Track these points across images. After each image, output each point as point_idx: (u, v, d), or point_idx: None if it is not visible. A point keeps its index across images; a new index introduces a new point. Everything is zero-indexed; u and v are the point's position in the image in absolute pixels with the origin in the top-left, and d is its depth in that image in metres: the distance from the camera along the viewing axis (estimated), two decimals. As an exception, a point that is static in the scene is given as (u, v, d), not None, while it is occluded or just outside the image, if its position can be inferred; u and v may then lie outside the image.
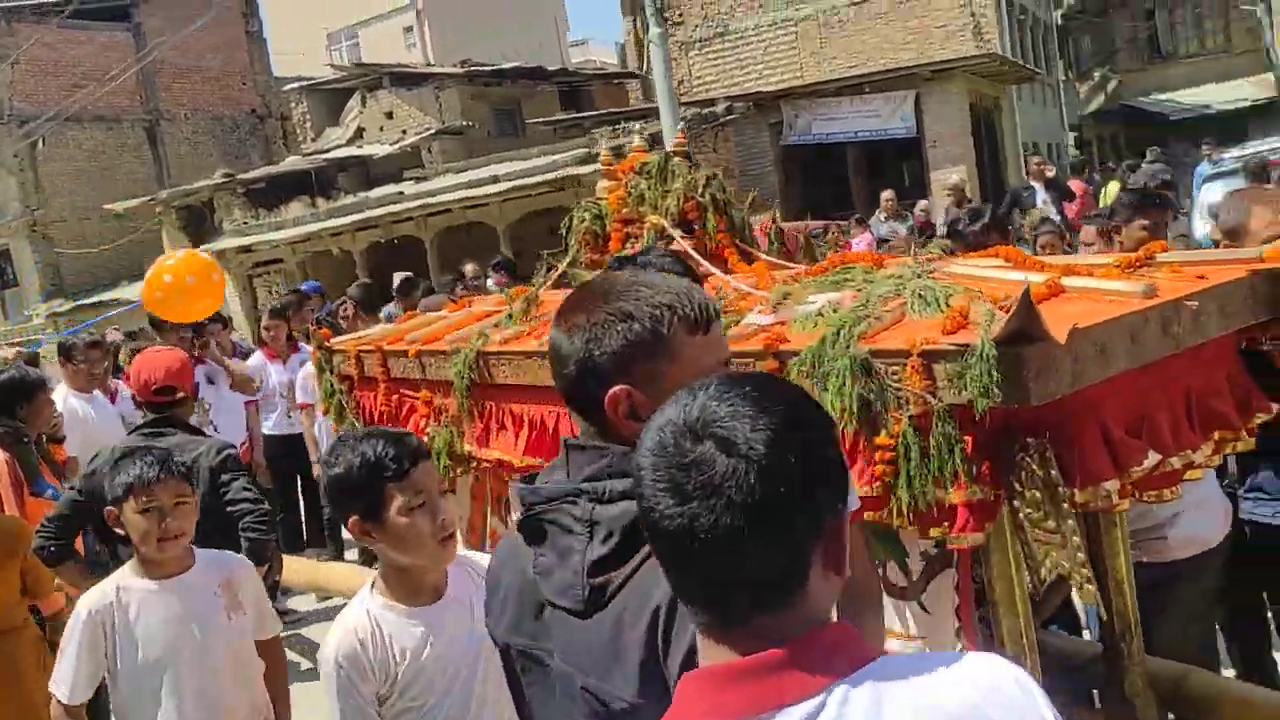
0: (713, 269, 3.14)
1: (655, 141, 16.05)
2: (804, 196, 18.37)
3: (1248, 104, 27.97)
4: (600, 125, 19.18)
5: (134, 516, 2.91)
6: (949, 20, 20.90)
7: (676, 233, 3.25)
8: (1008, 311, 1.96)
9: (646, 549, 1.33)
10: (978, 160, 17.95)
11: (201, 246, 21.67)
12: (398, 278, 8.89)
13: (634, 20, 26.81)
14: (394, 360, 4.13)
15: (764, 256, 3.33)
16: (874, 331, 2.28)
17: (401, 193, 18.21)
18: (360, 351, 4.35)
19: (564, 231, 4.03)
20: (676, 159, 3.38)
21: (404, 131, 22.86)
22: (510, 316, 3.64)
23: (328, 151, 23.08)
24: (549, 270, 3.98)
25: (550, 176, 15.34)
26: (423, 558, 2.30)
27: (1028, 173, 14.04)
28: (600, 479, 1.42)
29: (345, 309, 7.60)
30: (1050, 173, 12.02)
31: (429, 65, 25.91)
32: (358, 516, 2.24)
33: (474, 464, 3.83)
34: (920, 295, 2.34)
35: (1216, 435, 2.28)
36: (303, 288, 12.43)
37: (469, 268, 10.26)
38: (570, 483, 1.45)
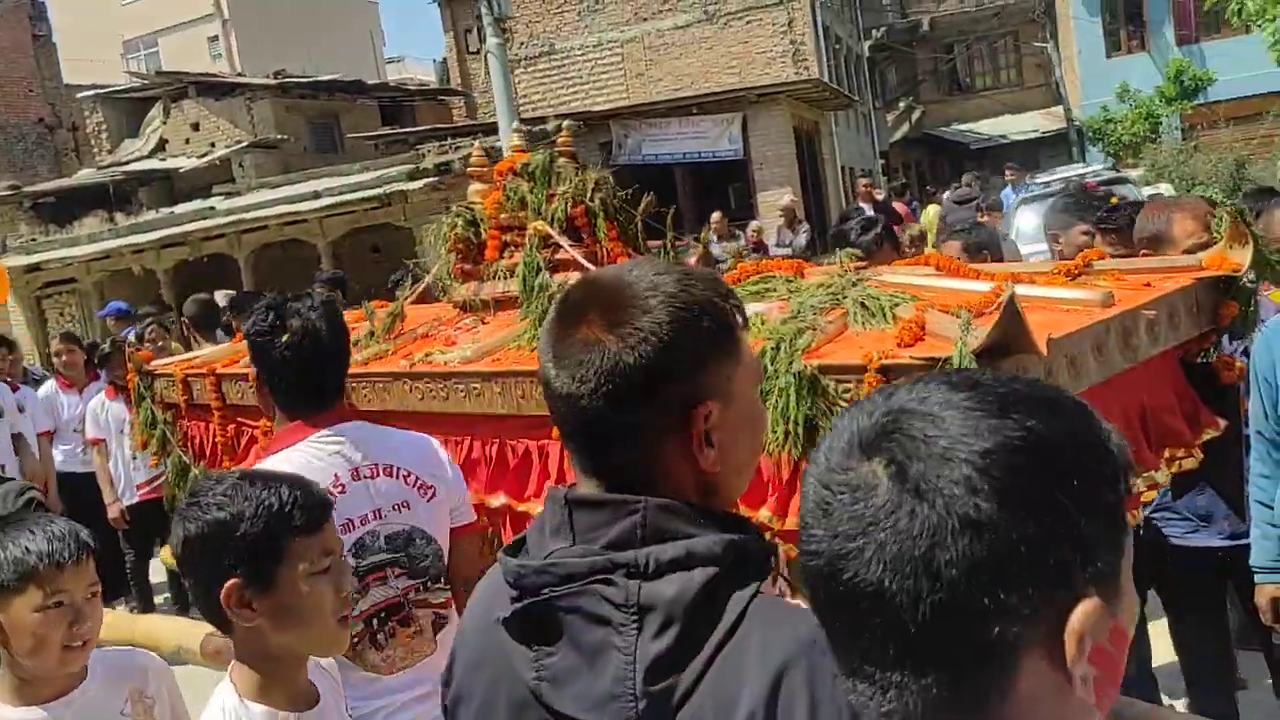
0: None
1: (492, 156, 15.66)
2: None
3: (1038, 134, 29.90)
4: (425, 141, 18.62)
5: (29, 617, 1.94)
6: (770, 47, 21.41)
7: (564, 240, 2.96)
8: (985, 321, 1.77)
9: (721, 632, 1.01)
10: (801, 183, 18.35)
11: (-19, 265, 19.84)
12: (221, 297, 8.18)
13: (454, 36, 26.33)
14: (231, 385, 3.66)
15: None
16: (817, 345, 2.05)
17: (212, 208, 17.14)
18: (189, 376, 3.85)
19: (423, 248, 3.65)
20: (562, 159, 3.09)
21: (212, 144, 21.59)
22: (371, 334, 3.26)
23: (126, 164, 21.55)
24: (413, 282, 3.61)
25: (376, 192, 14.71)
26: (317, 640, 1.75)
27: (855, 194, 14.40)
28: (631, 544, 1.06)
29: (152, 333, 6.95)
30: (879, 195, 12.34)
31: (239, 75, 24.59)
32: (239, 580, 1.65)
33: (328, 502, 3.41)
34: (863, 305, 2.14)
35: (1168, 453, 2.16)
36: (108, 310, 11.42)
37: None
38: (594, 553, 1.07)
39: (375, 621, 2.35)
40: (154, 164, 21.34)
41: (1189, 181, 18.90)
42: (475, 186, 3.33)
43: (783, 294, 2.39)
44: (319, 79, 22.28)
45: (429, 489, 2.43)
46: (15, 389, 6.42)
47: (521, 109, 22.39)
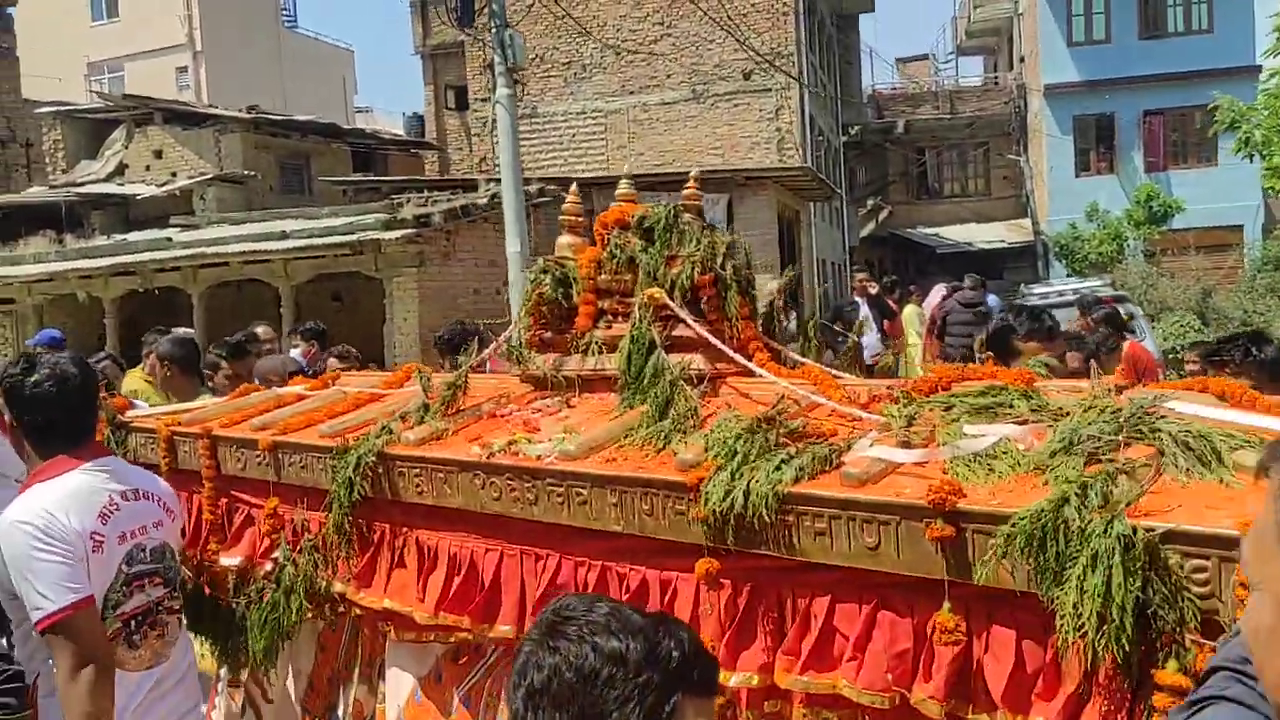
0: (751, 365, 2.29)
1: (470, 213, 15.12)
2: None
3: (1004, 245, 30.14)
4: (401, 191, 18.02)
5: None
6: (755, 131, 21.29)
7: (684, 313, 2.39)
8: None
9: None
10: (781, 269, 18.04)
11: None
12: (181, 336, 7.33)
13: (435, 90, 25.96)
14: (229, 450, 3.01)
15: (800, 357, 2.52)
16: (1140, 498, 1.50)
17: (169, 239, 16.31)
18: (175, 434, 3.18)
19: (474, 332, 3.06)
20: (688, 215, 2.53)
21: (174, 174, 20.79)
22: (425, 408, 2.64)
23: (81, 185, 20.65)
24: (480, 347, 3.00)
25: (349, 238, 14.04)
26: None
27: (851, 288, 14.03)
28: None
29: (107, 370, 6.20)
30: (874, 289, 11.99)
31: (210, 106, 23.88)
32: None
33: (341, 609, 2.76)
34: (1186, 444, 1.58)
35: None
36: (37, 338, 10.59)
37: (261, 329, 8.84)
38: None
39: (133, 624, 2.67)
40: (111, 188, 20.47)
41: (1157, 305, 18.97)
42: (566, 239, 2.76)
43: (1026, 413, 1.84)
44: (293, 118, 21.66)
45: (172, 513, 2.85)
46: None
47: (496, 169, 21.98)
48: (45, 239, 17.86)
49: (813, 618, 1.79)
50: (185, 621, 2.91)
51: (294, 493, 2.83)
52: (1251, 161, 17.88)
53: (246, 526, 3.00)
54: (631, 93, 22.02)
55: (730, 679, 1.84)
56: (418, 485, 2.45)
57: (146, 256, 15.68)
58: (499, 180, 18.11)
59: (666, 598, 2.01)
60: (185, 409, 3.47)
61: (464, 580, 2.37)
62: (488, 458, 2.28)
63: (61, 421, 2.61)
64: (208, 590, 3.08)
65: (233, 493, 3.05)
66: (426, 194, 16.87)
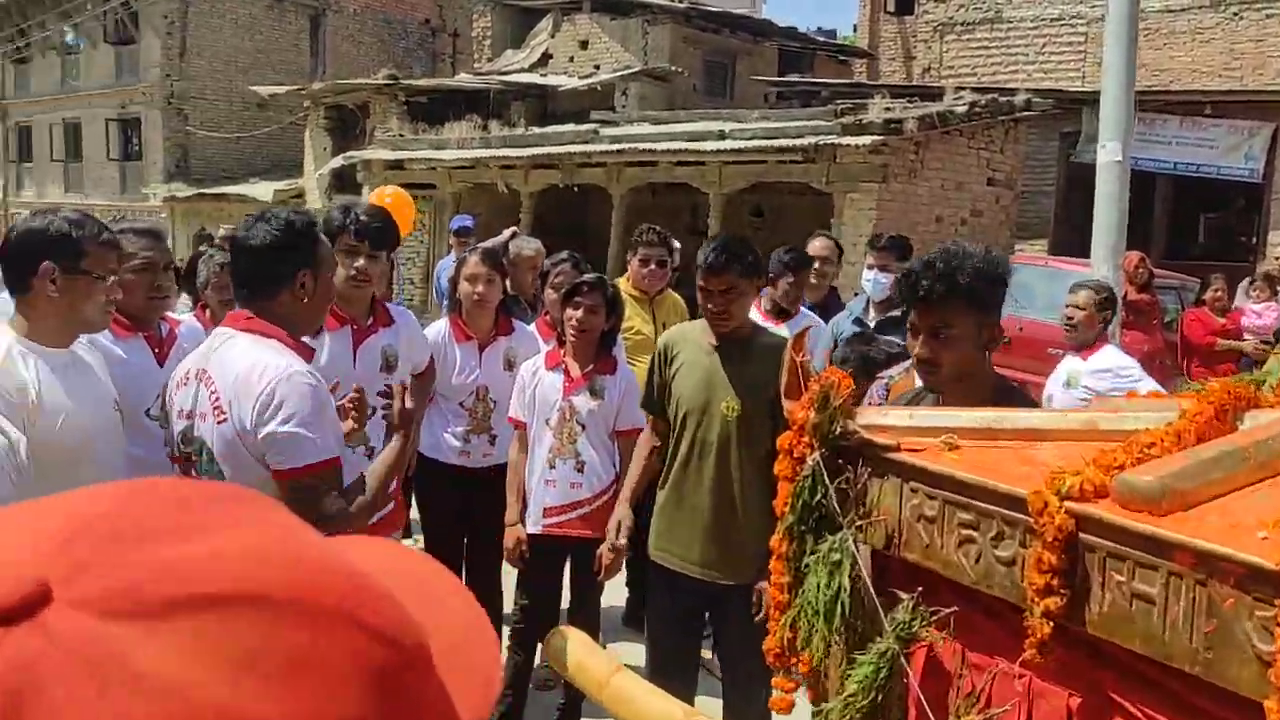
0: None
1: (943, 120, 12.44)
2: (1083, 230, 14.57)
3: None
4: (839, 97, 15.60)
5: None
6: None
7: None
8: None
9: None
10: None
11: (346, 154, 18.80)
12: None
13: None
14: None
15: None
16: None
17: (596, 131, 14.91)
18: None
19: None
20: None
21: (597, 66, 19.60)
22: None
23: (506, 74, 19.95)
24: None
25: (801, 142, 11.84)
26: None
27: None
28: None
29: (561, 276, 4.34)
30: None
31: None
32: None
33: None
34: None
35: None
36: (453, 223, 9.33)
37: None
38: None
39: None
40: (533, 78, 19.60)
41: None
42: None
43: None
44: (728, 10, 19.77)
45: None
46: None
47: (944, 78, 18.99)
48: (469, 124, 17.17)
49: None
50: None
51: None
52: None
53: None
54: (1124, -4, 18.13)
55: None
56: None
57: (572, 149, 14.36)
58: (926, 91, 15.25)
59: None
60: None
61: None
62: None
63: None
64: None
65: None
66: (874, 101, 14.31)
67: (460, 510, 4.20)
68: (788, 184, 13.58)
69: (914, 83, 18.85)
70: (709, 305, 3.24)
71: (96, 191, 25.23)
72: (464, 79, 20.56)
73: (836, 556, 1.32)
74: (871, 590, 1.31)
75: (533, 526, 3.88)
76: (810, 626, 1.37)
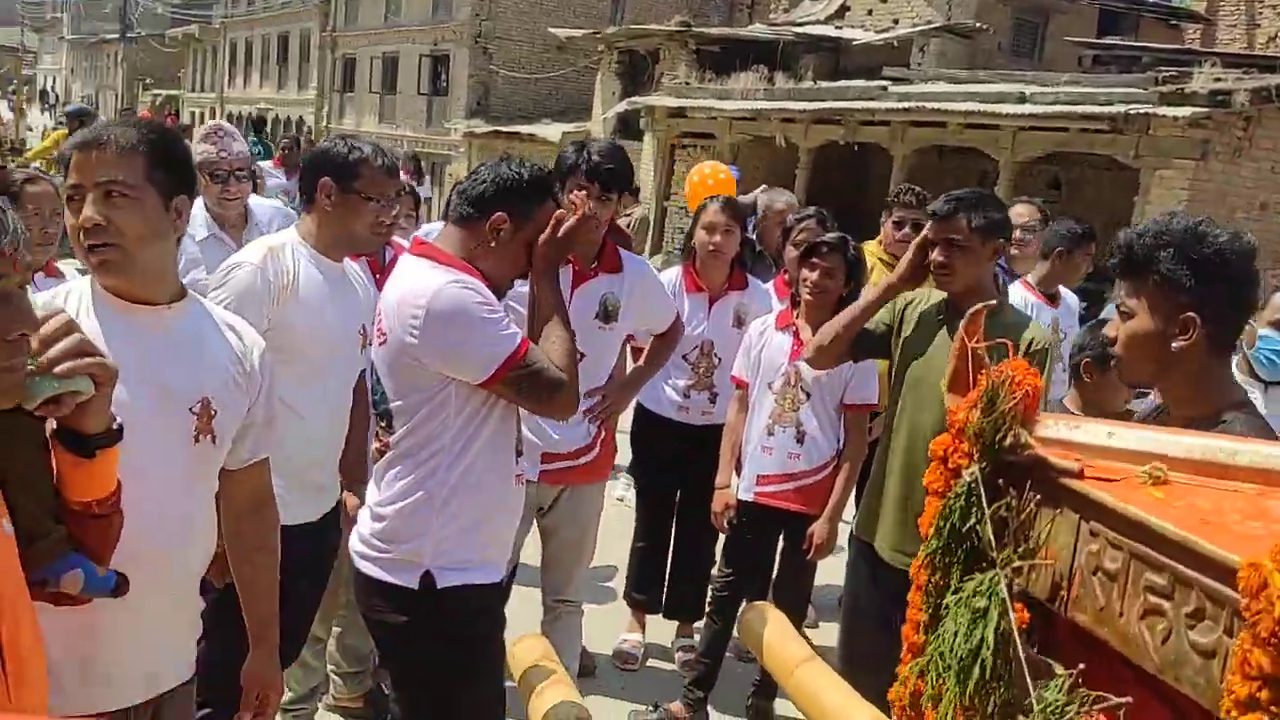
0: None
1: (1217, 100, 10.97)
2: None
3: None
4: (1166, 63, 14.11)
5: None
6: None
7: None
8: None
9: None
10: None
11: (631, 100, 19.05)
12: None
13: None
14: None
15: None
16: None
17: (884, 87, 14.26)
18: None
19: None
20: None
21: (895, 21, 18.76)
22: None
23: (801, 25, 19.47)
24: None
25: (1110, 110, 10.80)
26: None
27: None
28: None
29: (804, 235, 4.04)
30: None
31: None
32: None
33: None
34: None
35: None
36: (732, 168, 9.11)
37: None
38: None
39: None
40: (827, 30, 19.02)
41: None
42: None
43: None
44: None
45: None
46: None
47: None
48: (755, 75, 16.89)
49: None
50: None
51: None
52: None
53: None
54: None
55: None
56: None
57: (856, 104, 13.82)
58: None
59: None
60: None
61: None
62: None
63: None
64: None
65: None
66: (1204, 69, 12.83)
67: (674, 464, 4.08)
68: (1090, 156, 12.48)
69: (1255, 52, 16.79)
70: (933, 255, 2.92)
71: (406, 123, 26.94)
72: (757, 29, 20.26)
73: (983, 602, 1.06)
74: (1022, 654, 1.02)
75: (744, 493, 3.71)
76: (938, 680, 1.11)
